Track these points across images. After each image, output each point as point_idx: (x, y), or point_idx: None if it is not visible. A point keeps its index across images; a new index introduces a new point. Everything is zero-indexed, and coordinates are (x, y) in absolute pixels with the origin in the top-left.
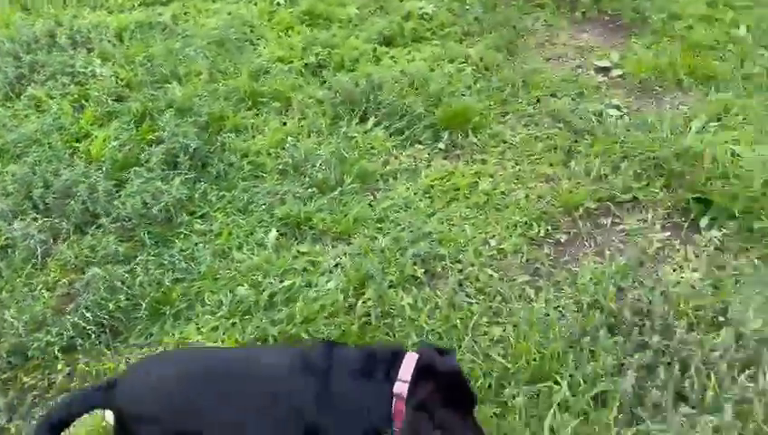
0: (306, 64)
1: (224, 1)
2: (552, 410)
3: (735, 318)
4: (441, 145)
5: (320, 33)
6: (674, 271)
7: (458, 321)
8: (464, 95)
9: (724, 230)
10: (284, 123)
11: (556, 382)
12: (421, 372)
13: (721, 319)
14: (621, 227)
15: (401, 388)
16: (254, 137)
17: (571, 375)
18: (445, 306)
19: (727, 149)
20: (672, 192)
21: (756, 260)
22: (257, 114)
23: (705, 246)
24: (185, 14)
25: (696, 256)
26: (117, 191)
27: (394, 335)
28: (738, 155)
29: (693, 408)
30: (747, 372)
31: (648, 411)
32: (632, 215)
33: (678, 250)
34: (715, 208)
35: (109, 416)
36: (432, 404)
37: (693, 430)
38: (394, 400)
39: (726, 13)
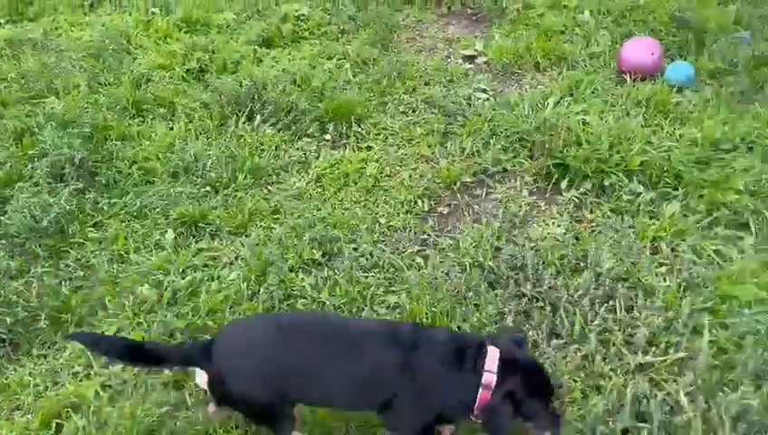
0: (188, 70)
1: (96, 14)
2: None
3: (593, 262)
4: (328, 136)
5: (199, 39)
6: (541, 228)
7: (357, 294)
8: (345, 89)
9: (581, 189)
10: (171, 128)
11: None
12: (507, 364)
13: (582, 264)
14: (494, 195)
15: (489, 379)
16: (141, 144)
17: (459, 326)
18: (344, 282)
19: (579, 120)
20: (535, 161)
21: (609, 211)
22: (143, 121)
23: (566, 204)
24: (56, 28)
25: (560, 214)
26: (2, 208)
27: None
28: (588, 124)
29: (564, 341)
30: (606, 305)
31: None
32: (503, 184)
33: (544, 210)
34: (572, 171)
35: (199, 379)
36: (518, 395)
37: (564, 359)
38: (480, 389)
39: (572, 0)
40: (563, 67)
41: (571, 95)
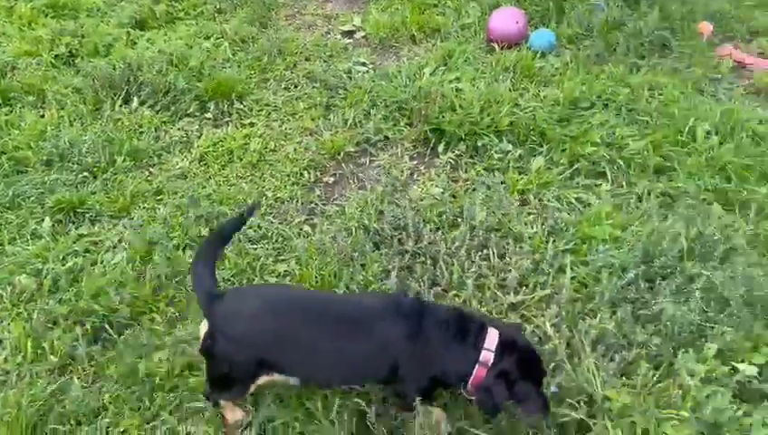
0: (56, 56)
1: None
2: None
3: (468, 216)
4: (209, 115)
5: (67, 24)
6: (420, 190)
7: (247, 265)
8: (224, 67)
9: (456, 151)
10: (42, 116)
11: None
12: (505, 345)
13: (459, 219)
14: (377, 162)
15: (487, 356)
16: (9, 133)
17: (347, 286)
18: (233, 256)
19: (453, 87)
20: (414, 128)
21: (482, 170)
22: (11, 111)
23: (443, 166)
24: None
25: (437, 176)
26: None
27: (186, 290)
28: (461, 90)
29: (443, 289)
30: (480, 254)
31: None
32: (385, 151)
33: (423, 173)
34: (447, 135)
35: (202, 328)
36: (512, 376)
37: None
38: (477, 365)
39: None
40: (437, 39)
41: (445, 65)
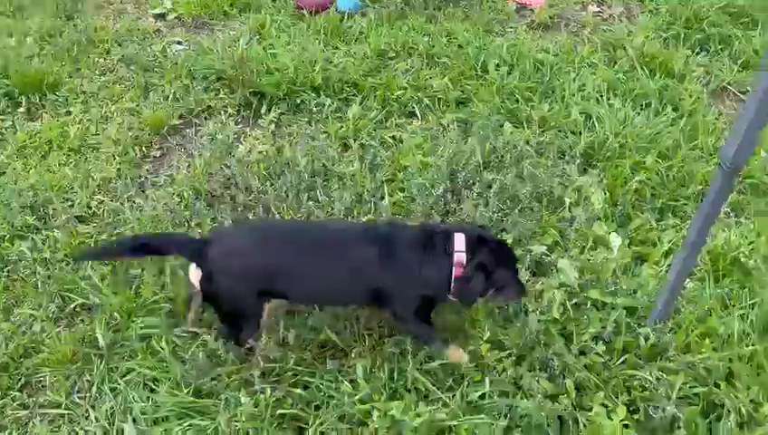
0: None
1: None
2: None
3: (293, 164)
4: (22, 109)
5: None
6: (249, 150)
7: (79, 244)
8: (32, 62)
9: (278, 111)
10: None
11: None
12: (474, 243)
13: (285, 170)
14: (203, 132)
15: (460, 257)
16: None
17: None
18: (63, 237)
19: (268, 53)
20: (235, 94)
21: (305, 124)
22: None
23: (268, 125)
24: None
25: (263, 136)
26: None
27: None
28: (276, 55)
29: None
30: (308, 194)
31: None
32: (210, 120)
33: (250, 135)
34: (268, 97)
35: (193, 276)
36: (489, 266)
37: None
38: (453, 268)
39: None
40: (250, 12)
41: (260, 34)
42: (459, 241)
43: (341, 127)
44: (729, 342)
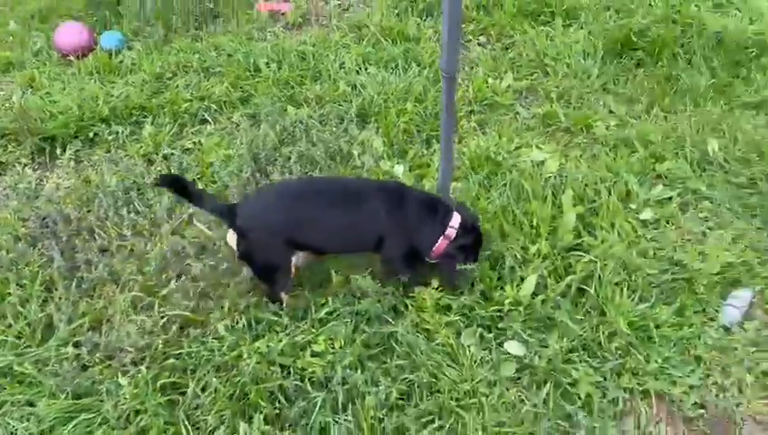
0: None
1: None
2: None
3: (102, 188)
4: None
5: None
6: (56, 188)
7: None
8: None
9: (74, 148)
10: None
11: None
12: (465, 226)
13: (94, 192)
14: (2, 186)
15: (450, 233)
16: None
17: (18, 284)
18: None
19: (47, 101)
20: (24, 144)
21: (102, 153)
22: None
23: (68, 163)
24: None
25: (66, 173)
26: None
27: None
28: (55, 100)
29: (103, 249)
30: (126, 208)
31: None
32: (6, 175)
33: (51, 176)
34: (59, 139)
35: (230, 238)
36: (465, 249)
37: None
38: (441, 238)
39: None
40: (14, 70)
41: (32, 87)
42: (455, 220)
43: (141, 146)
44: (496, 214)
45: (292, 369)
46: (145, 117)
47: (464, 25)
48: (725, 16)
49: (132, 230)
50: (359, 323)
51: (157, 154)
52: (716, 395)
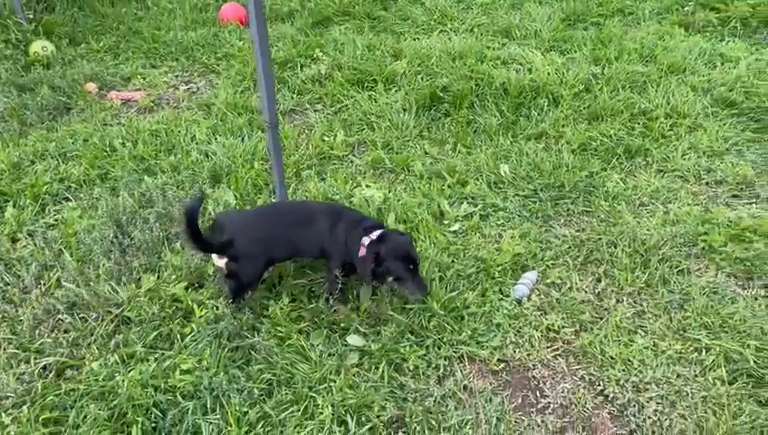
0: None
1: None
2: None
3: None
4: None
5: None
6: None
7: None
8: None
9: None
10: None
11: None
12: (382, 237)
13: None
14: None
15: (365, 241)
16: None
17: None
18: None
19: None
20: None
21: None
22: None
23: None
24: None
25: None
26: None
27: None
28: None
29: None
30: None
31: None
32: None
33: None
34: None
35: (217, 261)
36: (381, 253)
37: None
38: (361, 247)
39: None
40: None
41: None
42: (376, 233)
43: (3, 228)
44: None
45: (164, 387)
46: (6, 201)
47: (301, 96)
48: (509, 71)
49: (3, 300)
50: (221, 342)
51: (20, 232)
52: (513, 351)
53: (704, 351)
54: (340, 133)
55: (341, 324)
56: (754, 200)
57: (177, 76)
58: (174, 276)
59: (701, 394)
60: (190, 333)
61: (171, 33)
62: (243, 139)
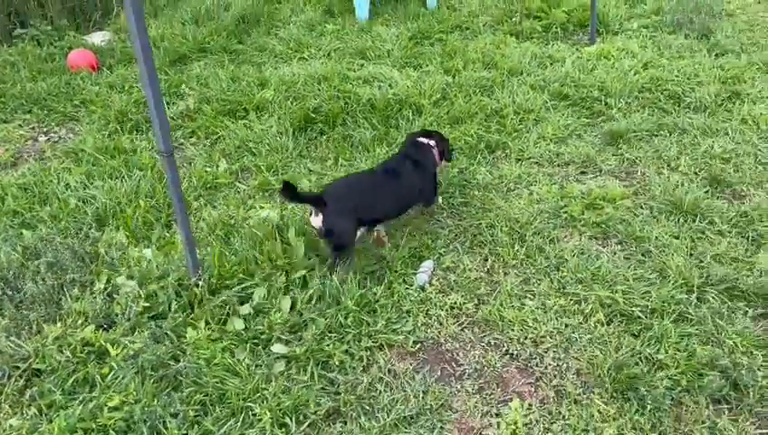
0: None
1: None
2: None
3: None
4: None
5: None
6: None
7: None
8: None
9: None
10: None
11: None
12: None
13: None
14: None
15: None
16: None
17: None
18: None
19: None
20: None
21: None
22: None
23: None
24: None
25: None
26: None
27: None
28: None
29: None
30: None
31: None
32: None
33: None
34: None
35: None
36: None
37: None
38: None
39: None
40: None
41: None
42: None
43: None
44: (240, 261)
45: (95, 427)
46: None
47: (173, 132)
48: (372, 88)
49: None
50: (145, 374)
51: None
52: (425, 331)
53: (583, 302)
54: (221, 163)
55: (262, 336)
56: (598, 174)
57: (33, 128)
58: (80, 321)
59: (587, 337)
60: (110, 372)
61: (19, 86)
62: (122, 180)
